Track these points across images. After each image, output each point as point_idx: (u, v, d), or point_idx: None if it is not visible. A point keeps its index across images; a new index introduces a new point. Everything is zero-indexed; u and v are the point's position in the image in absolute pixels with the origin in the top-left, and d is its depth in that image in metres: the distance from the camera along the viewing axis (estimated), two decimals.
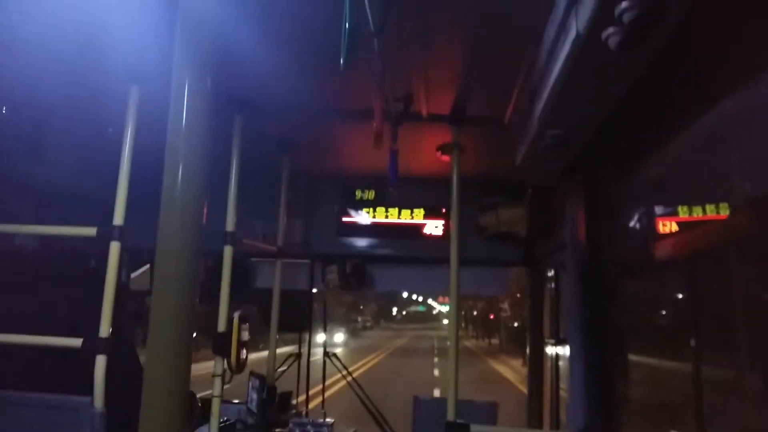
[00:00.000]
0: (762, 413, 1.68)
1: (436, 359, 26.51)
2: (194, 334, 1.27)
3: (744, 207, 1.81)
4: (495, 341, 38.23)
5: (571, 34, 1.51)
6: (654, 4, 1.32)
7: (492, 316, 40.71)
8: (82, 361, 2.27)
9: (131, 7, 2.04)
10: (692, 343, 2.04)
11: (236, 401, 3.59)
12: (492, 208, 3.94)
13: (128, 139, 2.35)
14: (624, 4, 1.31)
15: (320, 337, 5.05)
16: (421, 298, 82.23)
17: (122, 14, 2.03)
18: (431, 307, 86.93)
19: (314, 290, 4.40)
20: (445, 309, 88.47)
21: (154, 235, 1.32)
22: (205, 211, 1.44)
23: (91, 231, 2.28)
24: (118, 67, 2.37)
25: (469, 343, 45.56)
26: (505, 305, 30.58)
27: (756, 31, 1.51)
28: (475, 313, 49.68)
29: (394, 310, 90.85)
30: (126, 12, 2.04)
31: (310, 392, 4.30)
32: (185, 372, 1.20)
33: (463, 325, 64.42)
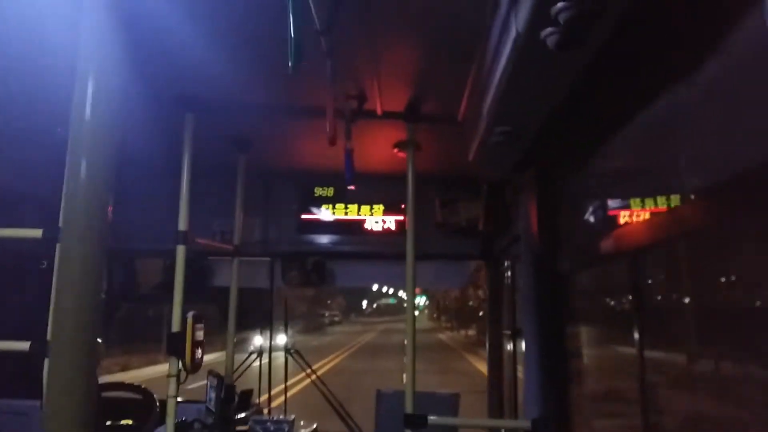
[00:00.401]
0: (704, 395, 1.77)
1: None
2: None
3: (686, 199, 1.89)
4: (472, 332, 34.02)
5: (512, 34, 1.55)
6: (590, 5, 1.36)
7: (466, 305, 37.12)
8: (30, 364, 2.22)
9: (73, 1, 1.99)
10: (637, 329, 2.12)
11: (194, 401, 3.56)
12: (453, 204, 4.00)
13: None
14: (559, 5, 1.35)
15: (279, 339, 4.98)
16: (392, 291, 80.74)
17: (64, 6, 1.98)
18: (402, 300, 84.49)
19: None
20: (417, 300, 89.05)
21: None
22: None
23: (36, 233, 2.23)
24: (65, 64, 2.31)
25: (443, 336, 42.73)
26: (480, 292, 29.10)
27: (690, 28, 1.57)
28: (446, 302, 47.22)
29: (364, 303, 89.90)
30: (67, 4, 1.99)
31: (278, 391, 4.29)
32: (91, 367, 1.20)
33: (435, 315, 63.15)
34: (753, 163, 1.40)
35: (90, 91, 1.27)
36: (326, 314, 57.96)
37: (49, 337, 2.11)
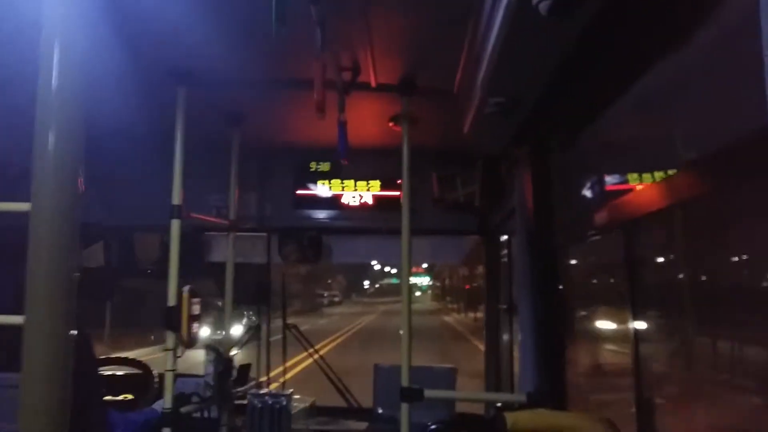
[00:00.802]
0: (687, 367, 1.78)
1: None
2: None
3: (681, 172, 1.88)
4: (481, 315, 29.06)
5: (504, 2, 1.52)
6: None
7: (474, 284, 34.67)
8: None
9: None
10: (630, 305, 2.12)
11: (193, 375, 3.60)
12: (451, 178, 3.98)
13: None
14: None
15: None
16: (395, 270, 77.31)
17: None
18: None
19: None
20: (419, 280, 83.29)
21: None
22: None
23: (25, 206, 2.21)
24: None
25: (450, 319, 39.62)
26: None
27: None
28: (452, 281, 46.86)
29: (366, 283, 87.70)
30: None
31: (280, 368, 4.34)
32: (67, 342, 1.19)
33: (440, 295, 62.77)
34: (747, 133, 1.38)
35: (55, 59, 1.24)
36: (325, 294, 55.22)
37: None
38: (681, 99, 1.88)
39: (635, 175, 2.21)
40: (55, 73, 1.25)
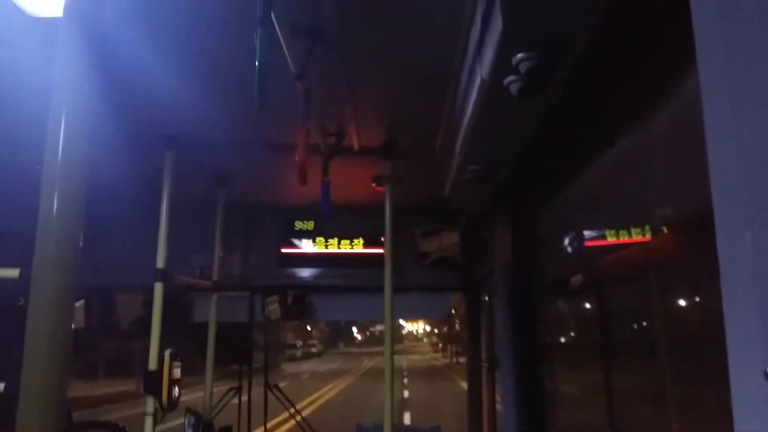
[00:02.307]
0: (669, 415, 1.81)
1: None
2: None
3: (653, 231, 1.97)
4: None
5: (478, 80, 1.63)
6: (547, 54, 1.44)
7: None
8: (4, 405, 2.19)
9: (54, 42, 2.04)
10: (605, 358, 2.17)
11: None
12: (435, 234, 4.05)
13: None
14: (519, 56, 1.43)
15: None
16: None
17: (38, 47, 2.02)
18: (400, 326, 75.53)
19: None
20: (413, 328, 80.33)
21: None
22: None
23: (13, 272, 2.23)
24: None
25: (438, 363, 39.24)
26: None
27: (650, 67, 1.66)
28: (457, 327, 35.72)
29: (354, 330, 79.15)
30: (45, 44, 2.04)
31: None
32: (60, 406, 1.21)
33: (441, 345, 52.07)
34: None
35: (62, 129, 1.32)
36: (298, 345, 44.89)
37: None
38: (652, 161, 1.98)
39: (610, 233, 2.30)
40: (61, 142, 1.31)
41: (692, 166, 1.66)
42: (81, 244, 1.41)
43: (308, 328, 49.82)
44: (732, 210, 0.78)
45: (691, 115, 1.58)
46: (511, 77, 1.51)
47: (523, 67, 1.44)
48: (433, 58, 2.05)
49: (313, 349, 48.81)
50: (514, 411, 2.74)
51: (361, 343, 77.13)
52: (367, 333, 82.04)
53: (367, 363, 40.08)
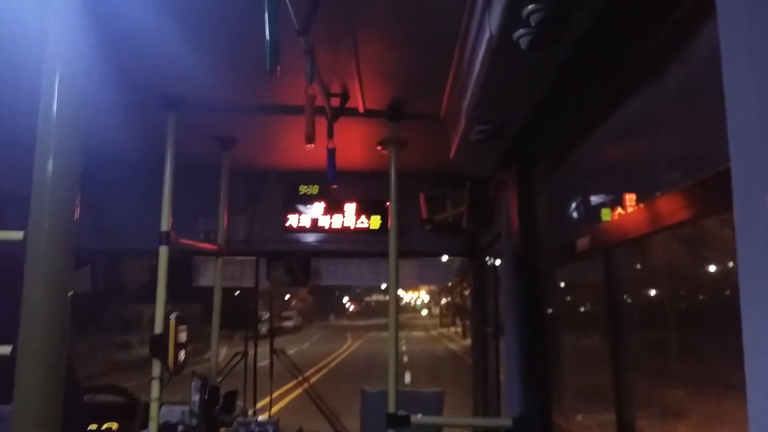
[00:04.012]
0: (672, 386, 1.80)
1: None
2: None
3: (663, 195, 1.92)
4: None
5: (486, 35, 1.56)
6: (560, 6, 1.37)
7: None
8: (10, 368, 2.21)
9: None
10: (610, 326, 2.14)
11: (179, 402, 3.55)
12: (440, 199, 4.01)
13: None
14: (530, 7, 1.36)
15: None
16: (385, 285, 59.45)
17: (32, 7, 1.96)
18: (399, 297, 64.00)
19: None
20: (412, 297, 68.30)
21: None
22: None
23: (18, 234, 2.22)
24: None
25: (455, 347, 26.11)
26: None
27: (663, 24, 1.59)
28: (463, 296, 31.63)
29: (345, 299, 66.71)
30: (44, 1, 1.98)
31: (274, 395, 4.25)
32: (59, 369, 1.21)
33: (446, 314, 43.95)
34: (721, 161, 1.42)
35: (56, 88, 1.28)
36: (262, 317, 18.95)
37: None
38: (661, 124, 1.92)
39: (617, 200, 2.26)
40: (55, 103, 1.28)
41: (707, 127, 1.60)
42: (78, 206, 1.39)
43: (287, 296, 38.62)
44: (750, 171, 0.75)
45: (708, 73, 1.52)
46: (522, 30, 1.44)
47: (534, 19, 1.38)
48: (439, 15, 1.97)
49: (288, 323, 35.99)
50: (518, 376, 2.74)
51: (353, 315, 66.76)
52: (362, 303, 72.05)
53: (350, 345, 29.29)
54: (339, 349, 26.72)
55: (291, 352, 5.09)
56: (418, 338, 34.01)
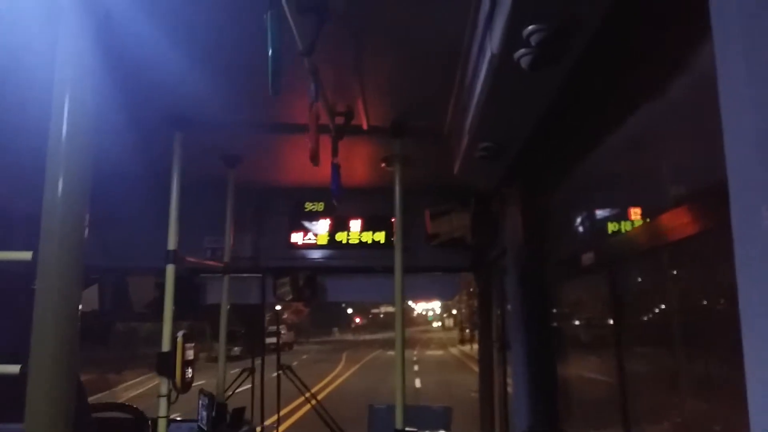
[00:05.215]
0: (682, 400, 1.79)
1: None
2: None
3: (665, 210, 1.93)
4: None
5: (488, 55, 1.59)
6: (559, 26, 1.40)
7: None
8: (20, 387, 2.22)
9: (58, 22, 2.02)
10: (617, 340, 2.14)
11: (186, 420, 3.56)
12: (445, 214, 4.03)
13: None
14: (530, 28, 1.39)
15: None
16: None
17: (42, 26, 2.01)
18: (410, 309, 58.36)
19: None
20: (427, 308, 64.37)
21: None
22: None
23: (26, 255, 2.25)
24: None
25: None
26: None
27: (658, 44, 1.62)
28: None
29: (350, 311, 60.42)
30: (48, 23, 2.02)
31: (282, 412, 4.24)
32: (70, 388, 1.22)
33: (461, 325, 38.90)
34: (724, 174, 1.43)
35: (66, 109, 1.31)
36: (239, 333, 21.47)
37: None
38: (663, 139, 1.94)
39: (621, 214, 2.27)
40: (65, 124, 1.31)
41: (707, 143, 1.62)
42: (87, 225, 1.41)
43: (278, 308, 24.78)
44: (748, 185, 0.77)
45: (707, 91, 1.54)
46: (522, 50, 1.47)
47: (534, 40, 1.41)
48: (441, 34, 2.01)
49: (272, 340, 19.36)
50: (525, 390, 2.74)
51: (359, 328, 62.78)
52: (370, 315, 67.08)
53: (336, 375, 19.72)
54: (319, 382, 16.59)
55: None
56: (435, 361, 25.58)
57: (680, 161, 1.83)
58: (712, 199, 1.42)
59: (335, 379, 17.64)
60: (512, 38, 1.44)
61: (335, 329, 57.33)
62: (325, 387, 15.76)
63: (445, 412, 3.85)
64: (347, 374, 19.83)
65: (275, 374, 4.09)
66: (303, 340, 40.62)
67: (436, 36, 2.04)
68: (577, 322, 2.85)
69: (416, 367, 20.71)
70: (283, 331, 32.92)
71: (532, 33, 1.40)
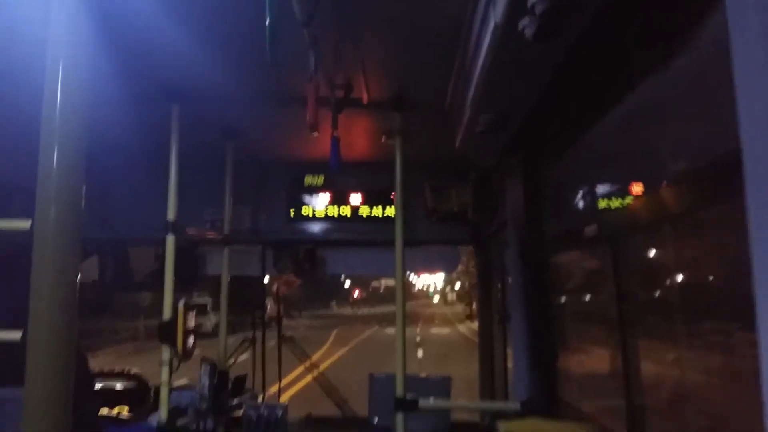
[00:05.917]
0: (677, 377, 1.82)
1: None
2: None
3: (666, 184, 1.93)
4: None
5: (491, 25, 1.57)
6: None
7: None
8: (21, 353, 2.26)
9: None
10: (617, 313, 2.17)
11: (189, 387, 3.61)
12: (444, 189, 4.02)
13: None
14: None
15: None
16: None
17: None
18: (410, 284, 57.58)
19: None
20: (426, 283, 61.38)
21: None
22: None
23: (25, 224, 2.25)
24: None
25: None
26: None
27: (668, 15, 1.59)
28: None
29: (347, 283, 55.15)
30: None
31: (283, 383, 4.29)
32: (69, 355, 1.24)
33: (467, 298, 35.86)
34: (728, 149, 1.42)
35: (60, 78, 1.30)
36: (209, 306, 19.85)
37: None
38: (667, 112, 1.93)
39: (624, 188, 2.27)
40: (59, 93, 1.30)
41: (714, 115, 1.61)
42: (83, 195, 1.41)
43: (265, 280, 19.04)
44: (763, 153, 0.75)
45: (714, 62, 1.52)
46: (526, 20, 1.45)
47: (538, 8, 1.39)
48: (443, 5, 1.98)
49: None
50: (526, 360, 2.77)
51: (358, 302, 58.30)
52: (370, 289, 63.25)
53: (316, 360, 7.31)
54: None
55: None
56: (442, 342, 20.79)
57: (685, 135, 1.82)
58: (714, 173, 1.41)
59: (299, 379, 9.84)
60: (516, 7, 1.42)
61: (333, 302, 54.58)
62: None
63: (444, 381, 3.90)
64: (327, 363, 14.52)
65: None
66: (296, 313, 37.96)
67: (438, 7, 2.01)
68: (577, 295, 2.87)
69: (420, 353, 16.15)
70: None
71: (537, 2, 1.38)
